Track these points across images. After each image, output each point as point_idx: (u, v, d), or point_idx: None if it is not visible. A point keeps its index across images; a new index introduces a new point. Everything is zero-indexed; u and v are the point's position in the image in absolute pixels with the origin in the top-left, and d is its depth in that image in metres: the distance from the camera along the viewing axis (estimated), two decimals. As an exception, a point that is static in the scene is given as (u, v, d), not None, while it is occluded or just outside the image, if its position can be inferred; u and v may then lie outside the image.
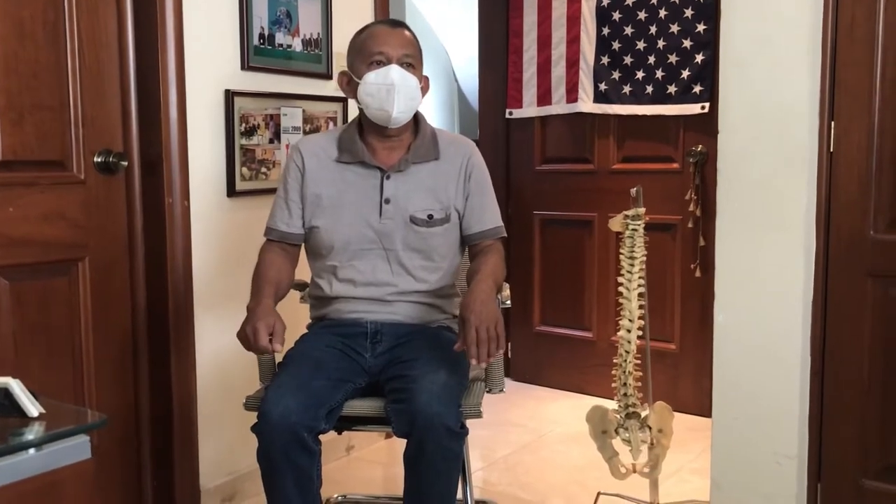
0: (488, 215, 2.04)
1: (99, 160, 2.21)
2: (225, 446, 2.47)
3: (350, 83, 1.98)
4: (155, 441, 2.37)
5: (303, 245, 2.07)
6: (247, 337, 1.76)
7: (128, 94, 2.26)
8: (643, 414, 2.15)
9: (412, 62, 1.95)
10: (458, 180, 2.00)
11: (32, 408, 1.00)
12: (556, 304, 3.74)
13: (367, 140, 2.00)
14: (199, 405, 2.40)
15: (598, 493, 2.42)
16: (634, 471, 2.17)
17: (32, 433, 0.98)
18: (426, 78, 2.03)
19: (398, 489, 2.43)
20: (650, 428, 2.15)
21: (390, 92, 1.90)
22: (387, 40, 1.93)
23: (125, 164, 2.26)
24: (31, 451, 0.95)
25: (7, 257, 2.03)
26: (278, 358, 1.98)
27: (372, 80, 1.92)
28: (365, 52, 1.94)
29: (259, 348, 1.74)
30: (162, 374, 2.34)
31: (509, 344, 3.76)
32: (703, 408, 3.19)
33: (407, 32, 1.99)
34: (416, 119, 2.04)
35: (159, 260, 2.30)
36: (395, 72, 1.90)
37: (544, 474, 2.79)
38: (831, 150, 1.97)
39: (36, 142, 2.08)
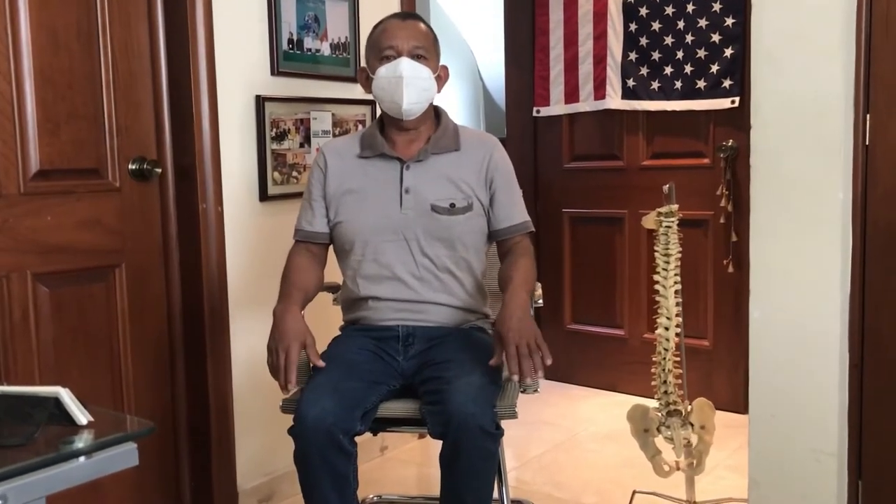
0: (516, 210, 2.04)
1: (133, 167, 2.25)
2: (261, 447, 2.50)
3: (367, 79, 2.01)
4: (192, 443, 2.40)
5: (333, 249, 2.09)
6: (277, 357, 1.78)
7: (160, 102, 2.29)
8: (684, 411, 2.13)
9: (424, 53, 1.96)
10: (480, 172, 2.01)
11: (82, 416, 1.03)
12: (588, 303, 3.73)
13: (387, 134, 2.03)
14: (235, 407, 2.42)
15: (634, 492, 2.41)
16: (678, 468, 2.16)
17: (82, 441, 1.01)
18: (444, 67, 2.04)
19: (432, 489, 2.44)
20: (692, 425, 2.14)
21: (399, 84, 1.92)
22: (397, 34, 1.96)
23: (159, 170, 2.29)
24: (82, 458, 0.97)
25: (46, 265, 2.07)
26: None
27: (383, 73, 1.94)
28: (377, 48, 1.97)
29: (285, 383, 1.77)
30: (198, 377, 2.37)
31: (540, 342, 3.74)
32: (737, 404, 3.17)
33: (418, 24, 2.00)
34: (438, 113, 2.06)
35: (194, 264, 2.33)
36: (404, 64, 1.92)
37: (578, 473, 2.79)
38: (867, 143, 1.94)
39: (72, 151, 2.12)
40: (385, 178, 1.99)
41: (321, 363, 1.84)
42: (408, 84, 1.92)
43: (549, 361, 1.75)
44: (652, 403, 2.18)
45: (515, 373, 1.72)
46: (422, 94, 1.95)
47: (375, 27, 2.02)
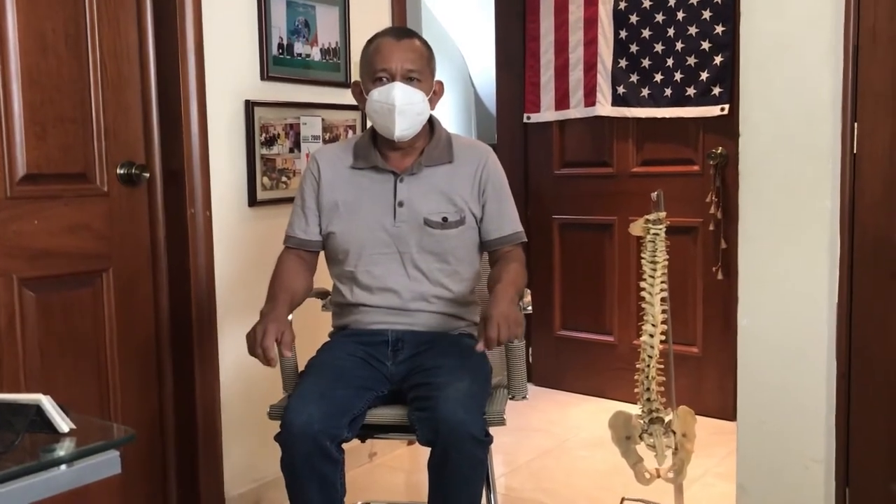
0: (507, 221, 2.04)
1: (122, 172, 2.24)
2: (249, 454, 2.49)
3: (361, 95, 2.00)
4: (179, 449, 2.39)
5: (322, 253, 2.08)
6: (254, 337, 1.76)
7: (149, 107, 2.29)
8: (667, 419, 2.13)
9: (417, 76, 1.94)
10: (473, 184, 2.01)
11: (63, 424, 1.02)
12: (577, 309, 3.73)
13: (380, 146, 2.01)
14: (222, 413, 2.41)
15: (623, 499, 2.40)
16: (659, 476, 2.16)
17: (63, 449, 0.99)
18: (440, 82, 2.03)
19: (421, 495, 2.43)
20: (674, 433, 2.13)
21: (391, 112, 1.90)
22: (391, 55, 1.93)
23: (147, 175, 2.28)
24: (63, 467, 0.96)
25: (32, 269, 2.06)
26: (300, 367, 1.99)
27: (376, 97, 1.92)
28: (370, 68, 1.95)
29: (263, 350, 1.73)
30: (186, 383, 2.35)
31: (530, 349, 3.75)
32: (726, 411, 3.17)
33: (413, 42, 1.97)
34: (431, 124, 2.05)
35: (182, 270, 2.32)
36: (397, 91, 1.90)
37: (568, 480, 2.78)
38: (855, 151, 1.95)
39: (59, 155, 2.10)
40: (378, 191, 1.99)
41: (288, 353, 1.82)
42: (400, 112, 1.90)
43: (515, 338, 1.81)
44: (635, 410, 2.18)
45: (492, 345, 1.72)
46: (415, 118, 1.94)
47: (370, 43, 1.99)
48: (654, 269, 2.11)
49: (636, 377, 2.12)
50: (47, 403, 1.02)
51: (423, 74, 1.96)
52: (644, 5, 3.31)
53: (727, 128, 3.09)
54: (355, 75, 2.65)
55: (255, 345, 1.76)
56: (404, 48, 1.95)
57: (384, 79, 1.92)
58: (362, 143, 2.04)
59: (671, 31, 3.25)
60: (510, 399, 2.01)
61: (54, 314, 2.11)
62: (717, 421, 3.15)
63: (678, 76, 3.25)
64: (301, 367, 1.99)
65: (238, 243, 2.44)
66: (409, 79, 1.93)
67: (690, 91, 3.22)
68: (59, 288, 2.12)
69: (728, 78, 3.11)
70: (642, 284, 2.14)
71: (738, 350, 2.14)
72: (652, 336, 2.10)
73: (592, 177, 3.61)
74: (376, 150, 2.01)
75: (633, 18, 3.34)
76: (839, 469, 2.03)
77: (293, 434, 1.72)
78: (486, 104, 4.95)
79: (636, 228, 2.14)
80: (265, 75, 2.46)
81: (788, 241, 2.02)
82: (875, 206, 1.94)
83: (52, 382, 2.09)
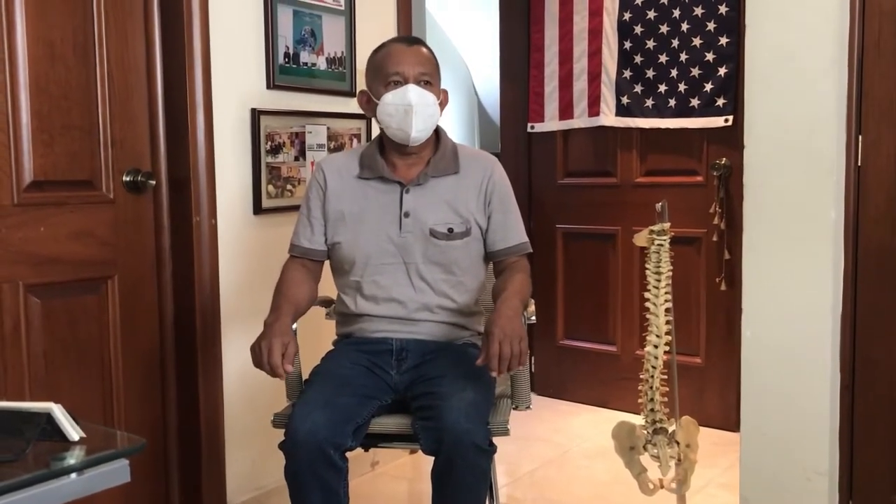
0: (513, 232, 2.04)
1: (128, 179, 2.24)
2: (252, 461, 2.49)
3: (369, 102, 2.00)
4: (182, 456, 2.39)
5: (327, 262, 2.09)
6: (259, 352, 1.76)
7: (156, 114, 2.29)
8: (671, 429, 2.13)
9: (429, 79, 1.96)
10: (479, 195, 2.01)
11: (74, 432, 1.02)
12: (580, 318, 3.73)
13: (387, 156, 2.02)
14: (226, 421, 2.41)
15: (625, 510, 2.40)
16: (662, 487, 2.16)
17: (74, 458, 1.00)
18: (445, 91, 2.04)
19: (424, 505, 2.43)
20: (678, 443, 2.13)
21: (408, 113, 1.91)
22: (403, 59, 1.95)
23: (153, 183, 2.29)
24: (73, 475, 0.96)
25: (38, 276, 2.06)
26: (304, 375, 2.00)
27: (390, 100, 1.93)
28: (382, 73, 1.96)
29: (271, 368, 1.75)
30: (189, 390, 2.36)
31: (533, 358, 3.75)
32: (729, 422, 3.17)
33: (423, 49, 2.00)
34: (437, 134, 2.05)
35: (187, 277, 2.32)
36: (412, 92, 1.92)
37: (570, 490, 2.78)
38: (859, 163, 1.96)
39: (66, 162, 2.11)
40: (385, 201, 1.99)
41: (290, 368, 1.80)
42: (417, 112, 1.91)
43: (523, 364, 1.78)
44: (638, 420, 2.18)
45: (494, 369, 1.72)
46: (428, 120, 1.95)
47: (378, 51, 2.01)
48: (659, 280, 2.10)
49: (640, 387, 2.12)
50: (58, 412, 1.02)
51: (433, 79, 1.98)
52: (648, 16, 3.32)
53: (731, 139, 3.10)
54: (361, 84, 2.66)
55: (263, 361, 1.76)
56: (415, 53, 1.97)
57: (398, 82, 1.93)
58: (368, 152, 2.04)
59: (675, 42, 3.26)
60: (514, 409, 2.01)
61: (59, 321, 2.11)
62: (719, 431, 3.15)
63: (682, 87, 3.26)
64: (305, 375, 1.99)
65: (243, 251, 2.44)
66: (421, 82, 1.94)
67: (694, 102, 3.23)
68: (64, 294, 2.13)
69: (732, 89, 3.12)
70: (647, 295, 2.13)
71: (741, 361, 2.14)
72: (656, 346, 2.10)
73: (596, 187, 3.61)
74: (383, 159, 2.01)
75: (638, 29, 3.35)
76: (843, 481, 2.03)
77: (297, 442, 1.72)
78: (489, 113, 4.96)
79: (640, 239, 2.14)
80: (271, 84, 2.47)
81: (792, 252, 2.03)
82: (879, 218, 1.95)
83: (57, 389, 2.10)
